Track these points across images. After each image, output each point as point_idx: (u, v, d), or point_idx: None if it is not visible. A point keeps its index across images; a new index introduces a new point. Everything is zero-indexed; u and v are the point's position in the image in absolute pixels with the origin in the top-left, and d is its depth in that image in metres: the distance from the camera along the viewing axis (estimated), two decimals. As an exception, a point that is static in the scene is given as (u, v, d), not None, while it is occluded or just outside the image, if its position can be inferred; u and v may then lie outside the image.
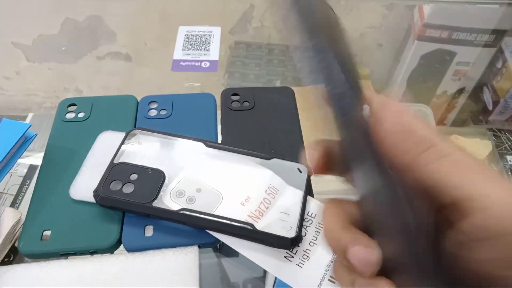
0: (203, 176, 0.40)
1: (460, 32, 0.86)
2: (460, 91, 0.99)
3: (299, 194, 0.39)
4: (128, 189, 0.39)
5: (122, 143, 0.42)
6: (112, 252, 0.38)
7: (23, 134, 0.41)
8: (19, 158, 0.41)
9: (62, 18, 1.03)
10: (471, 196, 0.21)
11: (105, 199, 0.38)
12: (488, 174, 0.22)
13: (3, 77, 1.15)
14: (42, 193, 0.41)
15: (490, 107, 0.92)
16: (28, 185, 0.60)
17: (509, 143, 0.71)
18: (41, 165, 0.43)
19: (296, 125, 0.48)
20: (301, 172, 0.41)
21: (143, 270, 0.35)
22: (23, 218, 0.39)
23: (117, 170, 0.40)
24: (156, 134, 0.43)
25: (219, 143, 0.43)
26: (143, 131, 0.43)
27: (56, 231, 0.38)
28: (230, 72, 0.98)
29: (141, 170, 0.40)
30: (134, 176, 0.39)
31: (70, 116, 0.47)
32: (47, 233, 0.38)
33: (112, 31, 1.06)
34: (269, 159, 0.41)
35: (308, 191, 0.40)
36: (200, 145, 0.42)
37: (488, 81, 0.94)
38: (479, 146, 0.71)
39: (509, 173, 0.67)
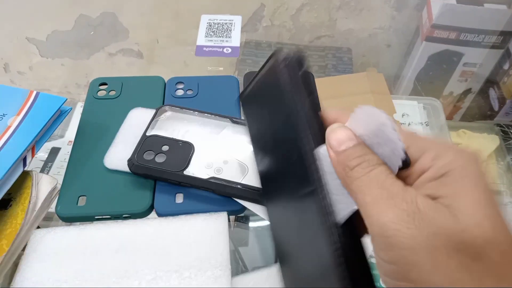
0: (230, 149, 0.42)
1: (468, 33, 0.88)
2: (467, 92, 1.00)
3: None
4: (160, 159, 0.41)
5: (153, 117, 0.44)
6: (144, 216, 0.40)
7: (59, 107, 0.42)
8: (55, 130, 0.43)
9: (76, 15, 1.05)
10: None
11: (139, 167, 0.40)
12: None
13: (17, 71, 1.17)
14: (77, 162, 0.43)
15: (496, 108, 0.93)
16: (50, 167, 0.62)
17: (517, 138, 0.73)
18: (75, 137, 0.45)
19: (317, 109, 0.49)
20: None
21: (176, 232, 0.37)
22: (59, 185, 0.41)
23: (149, 142, 0.42)
24: (185, 110, 0.45)
25: (244, 120, 0.45)
26: (172, 107, 0.45)
27: (91, 197, 0.40)
28: (240, 69, 1.00)
29: (172, 142, 0.42)
30: (165, 148, 0.41)
31: (101, 93, 0.49)
32: (83, 198, 0.40)
33: (125, 28, 1.08)
34: None
35: None
36: (227, 121, 0.45)
37: (494, 82, 0.96)
38: (487, 140, 0.73)
39: (517, 167, 0.69)
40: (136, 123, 0.44)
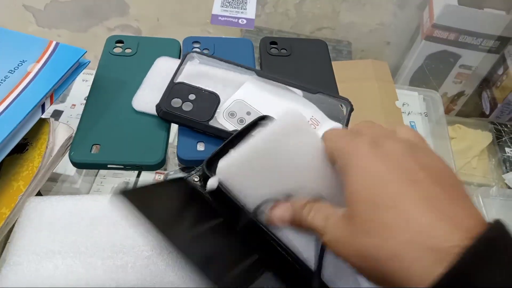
0: (253, 101, 0.43)
1: (467, 35, 0.90)
2: (460, 93, 1.02)
3: (339, 127, 0.42)
4: (187, 107, 0.42)
5: (181, 64, 0.45)
6: (155, 169, 0.40)
7: (78, 59, 0.42)
8: (73, 80, 0.43)
9: (77, -15, 1.04)
10: None
11: (166, 113, 0.41)
12: None
13: (11, 38, 1.15)
14: (91, 112, 0.43)
15: (488, 112, 0.96)
16: (53, 129, 0.62)
17: (509, 136, 0.75)
18: (90, 89, 0.45)
19: (330, 72, 0.52)
20: (343, 107, 0.44)
21: None
22: (75, 135, 0.41)
23: (177, 89, 0.43)
24: (211, 58, 0.46)
25: (269, 74, 0.46)
26: (199, 54, 0.46)
27: (105, 146, 0.40)
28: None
29: (199, 91, 0.43)
30: (192, 96, 0.42)
31: (117, 50, 0.49)
32: (97, 146, 0.40)
33: (125, 3, 1.07)
34: (314, 93, 0.44)
35: (348, 125, 0.43)
36: (252, 73, 0.45)
37: (488, 86, 0.98)
38: (480, 137, 0.75)
39: (507, 163, 0.71)
40: (162, 70, 0.46)
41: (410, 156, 0.24)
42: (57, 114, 0.65)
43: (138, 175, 0.60)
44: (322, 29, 1.07)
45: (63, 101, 0.68)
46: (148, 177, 0.63)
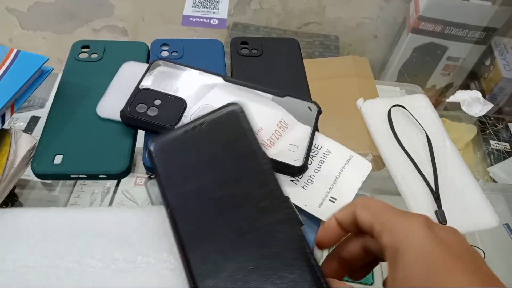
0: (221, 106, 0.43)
1: (453, 27, 0.89)
2: (449, 86, 1.02)
3: (307, 129, 0.42)
4: (153, 112, 0.41)
5: (147, 71, 0.44)
6: (121, 178, 0.39)
7: (40, 67, 0.41)
8: (34, 90, 0.42)
9: (60, -14, 1.03)
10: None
11: (131, 119, 0.40)
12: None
13: (-4, 42, 1.14)
14: (55, 121, 0.42)
15: (476, 103, 0.95)
16: (28, 137, 0.61)
17: (493, 128, 0.75)
18: (54, 97, 0.44)
19: (301, 72, 0.51)
20: (311, 110, 0.43)
21: (139, 222, 0.36)
22: (38, 145, 0.40)
23: (142, 95, 0.42)
24: (178, 65, 0.45)
25: (237, 79, 0.45)
26: (165, 62, 0.45)
27: (68, 156, 0.39)
28: (227, 52, 0.99)
29: (165, 96, 0.42)
30: (158, 102, 0.41)
31: (83, 56, 0.48)
32: (59, 156, 0.39)
33: (110, 3, 1.06)
34: (282, 96, 0.44)
35: (316, 127, 0.43)
36: (219, 79, 0.45)
37: (476, 77, 0.97)
38: (465, 130, 0.74)
39: (491, 156, 0.71)
40: (128, 76, 0.45)
41: (464, 246, 0.26)
42: (34, 120, 0.64)
43: (118, 184, 0.60)
44: (309, 24, 1.06)
45: (42, 106, 0.67)
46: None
